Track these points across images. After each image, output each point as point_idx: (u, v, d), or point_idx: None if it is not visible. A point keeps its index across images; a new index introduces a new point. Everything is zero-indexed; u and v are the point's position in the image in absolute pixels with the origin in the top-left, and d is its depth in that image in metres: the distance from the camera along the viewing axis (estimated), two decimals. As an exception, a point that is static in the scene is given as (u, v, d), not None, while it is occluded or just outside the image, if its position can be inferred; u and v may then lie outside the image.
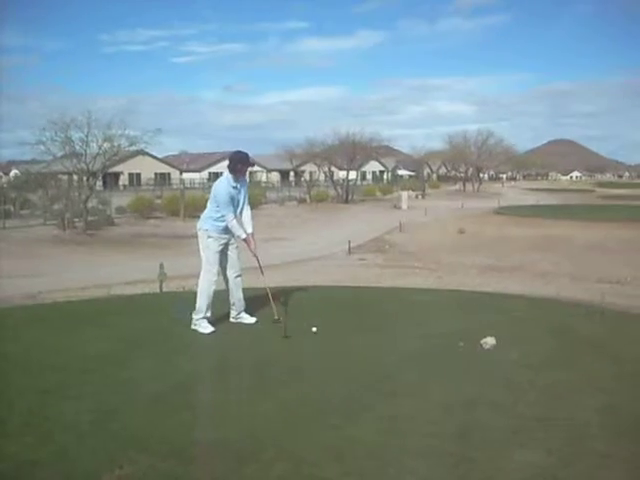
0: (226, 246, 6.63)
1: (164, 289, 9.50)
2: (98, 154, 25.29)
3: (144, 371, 5.22)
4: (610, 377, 5.01)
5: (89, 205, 25.18)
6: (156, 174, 72.83)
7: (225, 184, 6.52)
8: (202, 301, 6.48)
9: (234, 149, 6.74)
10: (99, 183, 35.71)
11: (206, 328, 6.45)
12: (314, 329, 6.30)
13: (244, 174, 6.68)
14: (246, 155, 6.72)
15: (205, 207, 6.80)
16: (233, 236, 6.60)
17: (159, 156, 74.23)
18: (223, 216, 6.46)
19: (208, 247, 6.56)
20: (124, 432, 3.97)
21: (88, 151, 25.14)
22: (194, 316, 6.52)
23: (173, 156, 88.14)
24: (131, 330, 6.56)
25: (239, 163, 6.55)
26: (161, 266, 9.79)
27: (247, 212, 6.73)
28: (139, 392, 4.72)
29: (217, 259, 6.58)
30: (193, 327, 6.49)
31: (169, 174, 75.72)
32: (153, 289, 9.60)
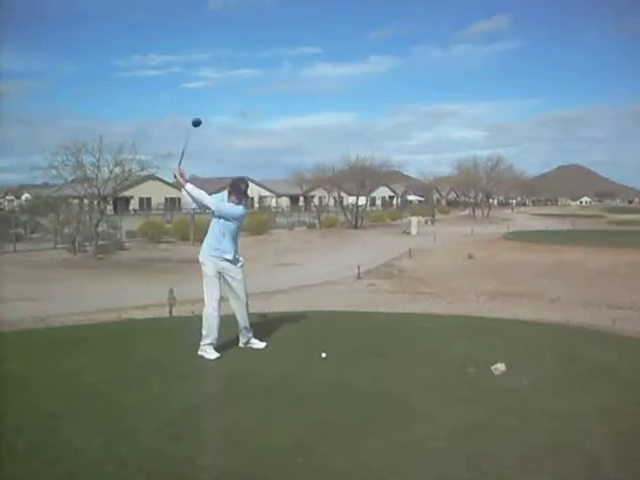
0: (230, 277, 6.66)
1: (174, 313, 9.53)
2: (109, 178, 25.45)
3: (152, 396, 5.21)
4: (621, 404, 4.97)
5: (99, 229, 25.29)
6: (166, 198, 73.17)
7: (220, 196, 6.88)
8: (207, 328, 6.53)
9: (244, 174, 6.90)
10: (110, 207, 35.93)
11: (211, 354, 6.47)
12: (323, 354, 6.28)
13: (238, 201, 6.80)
14: (243, 185, 6.91)
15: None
16: (232, 262, 6.63)
17: (170, 181, 74.62)
18: (219, 242, 6.58)
19: (205, 273, 6.64)
20: (132, 457, 3.96)
21: (99, 175, 25.29)
22: (201, 342, 6.56)
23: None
24: (140, 354, 6.58)
25: (233, 193, 6.78)
26: (171, 291, 9.84)
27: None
28: (147, 417, 4.72)
29: (217, 285, 6.61)
30: (200, 353, 6.51)
31: (179, 199, 75.85)
32: (163, 313, 9.62)
